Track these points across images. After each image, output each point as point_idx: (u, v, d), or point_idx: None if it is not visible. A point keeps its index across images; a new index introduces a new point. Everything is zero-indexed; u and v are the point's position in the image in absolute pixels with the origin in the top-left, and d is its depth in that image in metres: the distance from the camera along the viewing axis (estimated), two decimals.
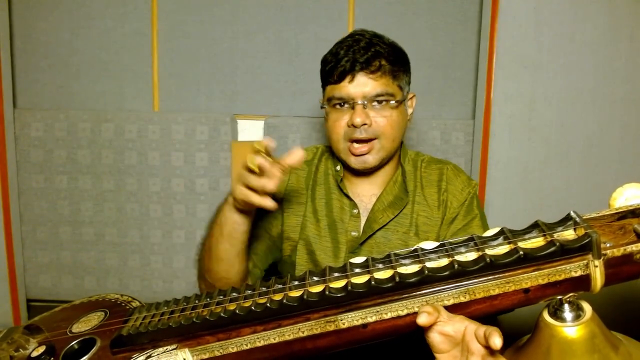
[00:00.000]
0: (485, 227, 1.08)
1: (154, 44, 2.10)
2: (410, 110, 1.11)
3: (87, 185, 2.14)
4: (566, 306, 0.62)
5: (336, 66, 1.00)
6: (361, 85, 1.00)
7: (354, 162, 1.05)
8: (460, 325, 0.60)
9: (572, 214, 0.65)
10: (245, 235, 0.97)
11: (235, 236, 0.96)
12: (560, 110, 1.84)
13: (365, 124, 1.00)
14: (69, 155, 2.12)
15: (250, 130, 2.16)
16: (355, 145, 1.03)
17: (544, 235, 0.65)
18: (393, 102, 1.02)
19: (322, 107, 1.07)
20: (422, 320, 0.60)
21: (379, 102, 1.01)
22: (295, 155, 0.85)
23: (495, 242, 0.67)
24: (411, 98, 1.11)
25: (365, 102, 1.00)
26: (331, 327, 0.66)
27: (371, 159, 1.04)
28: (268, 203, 0.85)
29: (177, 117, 2.10)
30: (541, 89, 1.83)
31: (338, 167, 1.13)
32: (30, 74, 2.13)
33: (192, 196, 2.13)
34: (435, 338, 0.61)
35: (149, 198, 2.14)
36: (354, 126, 1.00)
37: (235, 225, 0.94)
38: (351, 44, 1.01)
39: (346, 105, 1.02)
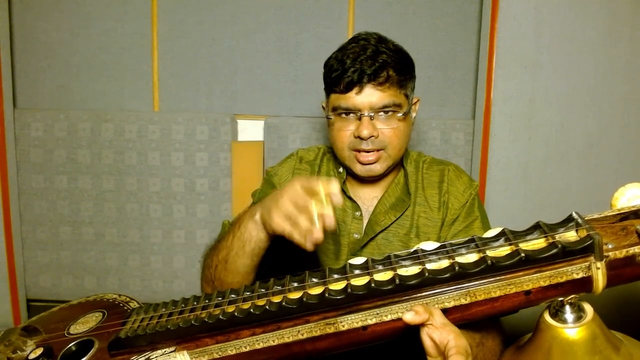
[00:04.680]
0: (487, 229, 1.05)
1: (154, 44, 2.10)
2: (414, 114, 1.10)
3: (87, 185, 2.13)
4: (567, 307, 0.62)
5: (343, 76, 0.98)
6: (368, 96, 0.98)
7: (360, 170, 1.04)
8: (445, 336, 0.60)
9: (574, 214, 0.64)
10: (265, 250, 0.92)
11: (257, 252, 0.91)
12: (560, 110, 1.83)
13: (372, 136, 0.99)
14: (69, 155, 2.12)
15: (250, 130, 2.15)
16: (363, 153, 1.01)
17: (546, 237, 0.64)
18: (400, 114, 1.00)
19: (327, 118, 1.05)
20: (407, 317, 0.60)
21: (386, 112, 1.00)
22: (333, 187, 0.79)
23: (496, 244, 0.66)
24: (415, 102, 1.10)
25: (372, 114, 0.99)
26: (331, 330, 0.66)
27: (378, 168, 1.03)
28: (309, 246, 0.77)
29: (177, 117, 2.09)
30: (541, 89, 1.83)
31: (341, 169, 1.12)
32: (30, 74, 2.13)
33: (192, 196, 2.13)
34: (425, 341, 0.61)
35: (149, 198, 2.13)
36: (361, 138, 0.99)
37: (260, 243, 0.90)
38: (357, 52, 0.98)
39: (352, 115, 1.01)
